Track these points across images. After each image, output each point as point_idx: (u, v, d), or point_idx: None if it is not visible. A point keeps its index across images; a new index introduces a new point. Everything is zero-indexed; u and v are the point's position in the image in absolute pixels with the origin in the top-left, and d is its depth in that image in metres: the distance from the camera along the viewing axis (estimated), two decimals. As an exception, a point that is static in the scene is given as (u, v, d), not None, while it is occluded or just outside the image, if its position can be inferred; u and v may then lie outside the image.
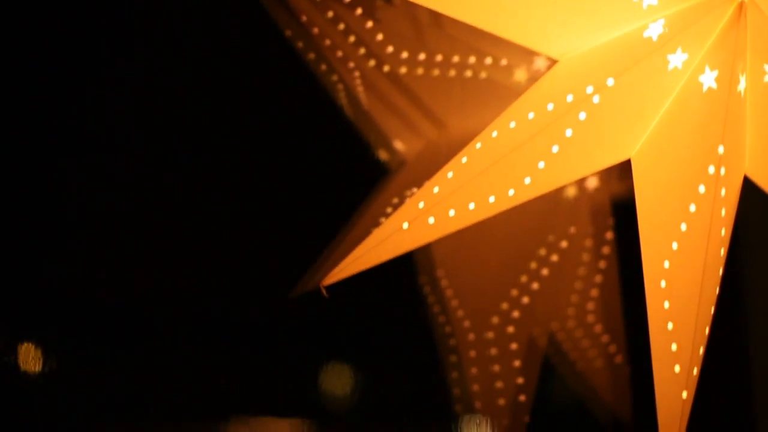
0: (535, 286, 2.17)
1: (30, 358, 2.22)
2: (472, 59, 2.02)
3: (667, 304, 1.42)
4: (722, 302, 1.48)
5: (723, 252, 1.45)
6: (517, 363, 2.17)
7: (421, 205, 1.43)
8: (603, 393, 2.30)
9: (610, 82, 1.43)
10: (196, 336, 2.30)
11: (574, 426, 2.39)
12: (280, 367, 2.32)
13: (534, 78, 1.95)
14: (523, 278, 2.16)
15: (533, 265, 2.16)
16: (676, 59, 1.42)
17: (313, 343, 2.30)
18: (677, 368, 1.43)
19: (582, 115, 1.43)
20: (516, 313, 2.16)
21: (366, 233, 1.46)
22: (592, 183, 2.19)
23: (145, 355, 2.31)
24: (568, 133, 1.43)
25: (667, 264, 1.42)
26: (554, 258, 2.18)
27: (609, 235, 2.23)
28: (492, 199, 1.42)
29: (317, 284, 1.46)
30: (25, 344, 2.19)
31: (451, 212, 1.42)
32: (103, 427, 2.33)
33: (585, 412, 2.33)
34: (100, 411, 2.30)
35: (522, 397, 2.17)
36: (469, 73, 2.03)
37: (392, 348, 2.28)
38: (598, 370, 2.29)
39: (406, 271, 2.16)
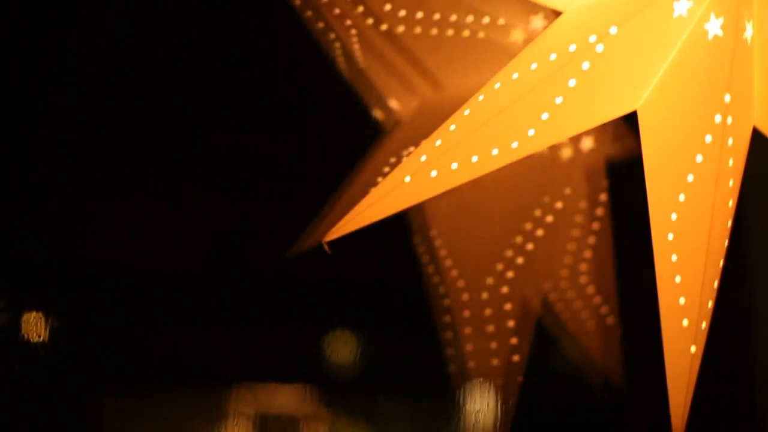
0: (529, 246, 2.16)
1: (34, 326, 2.20)
2: (469, 18, 2.00)
3: (674, 257, 1.41)
4: (730, 255, 1.47)
5: (731, 203, 1.43)
6: (510, 323, 2.16)
7: (423, 158, 1.40)
8: (594, 354, 2.30)
9: (614, 30, 1.41)
10: (199, 303, 2.29)
11: (566, 387, 2.39)
12: (280, 335, 2.31)
13: (531, 38, 1.93)
14: (518, 239, 2.15)
15: (528, 226, 2.15)
16: (681, 7, 1.40)
17: (310, 309, 2.29)
18: (685, 322, 1.41)
19: (585, 65, 1.40)
20: (510, 274, 2.15)
21: (363, 192, 1.43)
22: (587, 144, 2.18)
23: (147, 321, 2.31)
24: (572, 83, 1.40)
25: (674, 216, 1.41)
26: (549, 219, 2.17)
27: (603, 196, 2.22)
28: (495, 151, 1.40)
29: (316, 242, 1.44)
30: (29, 313, 2.18)
31: (454, 165, 1.40)
32: (107, 395, 2.33)
33: (577, 373, 2.33)
34: (104, 379, 2.30)
35: (515, 358, 2.17)
36: (466, 33, 2.01)
37: (386, 309, 2.27)
38: (590, 331, 2.28)
39: (400, 231, 2.14)
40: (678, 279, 1.41)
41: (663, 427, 1.52)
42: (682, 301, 1.41)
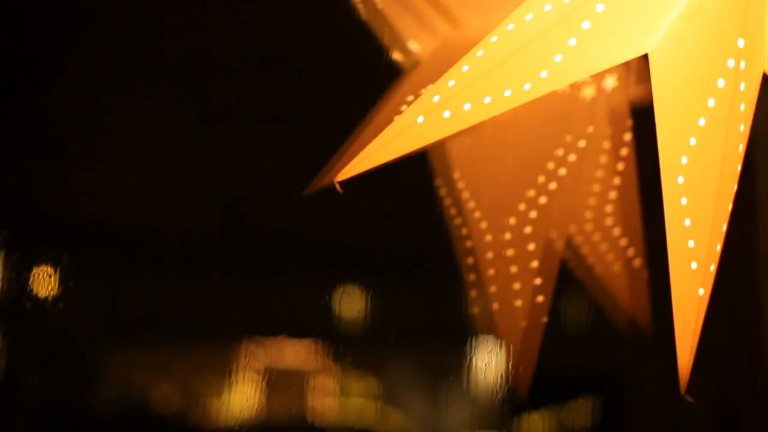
0: (552, 186, 2.15)
1: (44, 281, 2.22)
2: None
3: (684, 200, 1.41)
4: (739, 200, 1.47)
5: (742, 148, 1.43)
6: (534, 264, 2.16)
7: (436, 99, 1.41)
8: (621, 298, 2.30)
9: (628, -27, 1.40)
10: (210, 258, 2.30)
11: (591, 330, 2.39)
12: (290, 289, 2.32)
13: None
14: (541, 178, 2.14)
15: (550, 165, 2.15)
16: (696, -51, 1.39)
17: (326, 261, 2.29)
18: (694, 265, 1.42)
19: (600, 7, 1.40)
20: (533, 214, 2.15)
21: (380, 131, 1.44)
22: (610, 83, 2.17)
23: (159, 275, 2.32)
24: (586, 25, 1.40)
25: (684, 160, 1.40)
26: (572, 158, 2.16)
27: (627, 136, 2.21)
28: (508, 93, 1.40)
29: (331, 181, 1.45)
30: (40, 268, 2.19)
31: (467, 106, 1.40)
32: (117, 349, 2.35)
33: (603, 316, 2.33)
34: (115, 333, 2.32)
35: (540, 298, 2.17)
36: (486, -29, 2.00)
37: (401, 261, 2.28)
38: (616, 274, 2.28)
39: (422, 173, 2.15)
40: (687, 222, 1.41)
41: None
42: (691, 244, 1.41)
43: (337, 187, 1.41)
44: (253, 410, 2.29)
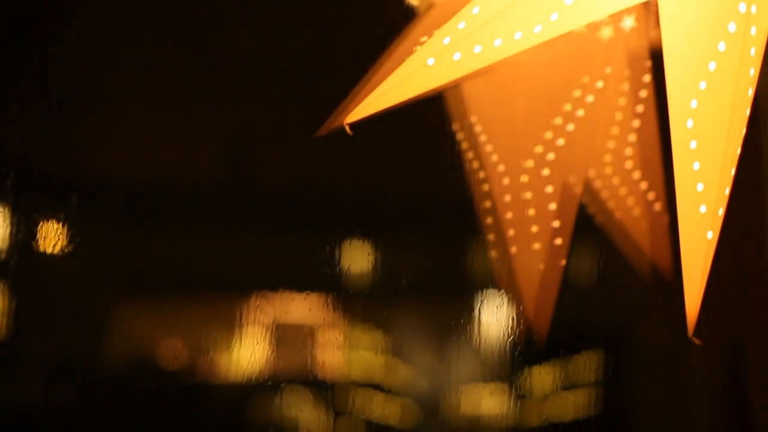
0: (570, 128, 2.14)
1: (53, 237, 2.24)
2: None
3: (693, 144, 1.41)
4: (746, 144, 1.47)
5: (751, 92, 1.42)
6: (552, 206, 2.15)
7: (446, 41, 1.41)
8: (642, 242, 2.29)
9: None
10: (217, 211, 2.31)
11: (611, 274, 2.39)
12: (298, 243, 2.33)
13: None
14: (557, 120, 2.14)
15: (567, 106, 2.14)
16: None
17: (335, 212, 2.29)
18: (703, 209, 1.42)
19: (609, -53, 1.40)
20: (551, 156, 2.14)
21: (392, 73, 1.44)
22: (628, 23, 2.15)
23: (166, 231, 2.33)
24: (595, -34, 1.40)
25: (694, 104, 1.40)
26: (589, 99, 2.15)
27: (647, 78, 2.20)
28: (518, 35, 1.40)
29: (341, 124, 1.45)
30: (48, 224, 2.20)
31: (477, 48, 1.40)
32: (125, 304, 2.36)
33: (623, 261, 2.33)
34: (122, 288, 2.33)
35: (558, 241, 2.17)
36: None
37: (421, 203, 2.27)
38: (637, 218, 2.27)
39: (437, 117, 2.15)
40: (696, 166, 1.41)
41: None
42: (700, 187, 1.41)
43: (347, 129, 1.42)
44: (260, 364, 2.30)
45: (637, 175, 2.24)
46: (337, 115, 1.83)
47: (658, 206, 2.26)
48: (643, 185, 2.25)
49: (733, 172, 1.43)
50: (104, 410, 2.55)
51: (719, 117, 1.40)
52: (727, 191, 1.43)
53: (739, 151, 1.43)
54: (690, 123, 1.40)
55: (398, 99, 1.42)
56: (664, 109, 2.21)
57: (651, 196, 2.26)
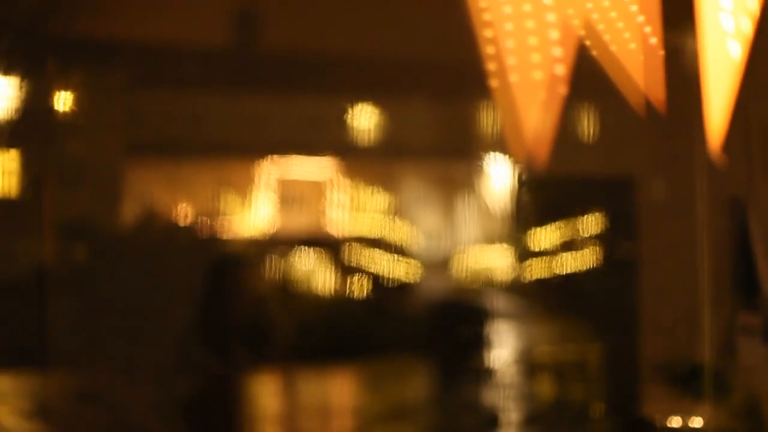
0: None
1: (64, 99, 2.24)
2: None
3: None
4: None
5: None
6: (554, 35, 2.16)
7: None
8: (637, 76, 2.30)
9: None
10: (226, 74, 2.32)
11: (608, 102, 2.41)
12: (306, 105, 2.34)
13: None
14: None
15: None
16: None
17: (343, 75, 2.30)
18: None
19: None
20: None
21: None
22: None
23: (175, 93, 2.34)
24: None
25: None
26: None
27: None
28: None
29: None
30: (59, 85, 2.21)
31: None
32: (134, 166, 2.38)
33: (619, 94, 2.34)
34: (130, 148, 2.35)
35: (559, 69, 2.18)
36: None
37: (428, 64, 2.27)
38: (633, 51, 2.29)
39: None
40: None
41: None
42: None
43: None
44: (268, 224, 2.34)
45: (634, 8, 2.25)
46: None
47: (654, 40, 2.27)
48: (640, 19, 2.26)
49: None
50: (118, 267, 2.61)
51: None
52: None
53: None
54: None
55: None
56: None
57: (648, 30, 2.27)
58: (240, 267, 2.67)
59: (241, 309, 2.73)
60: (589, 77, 2.28)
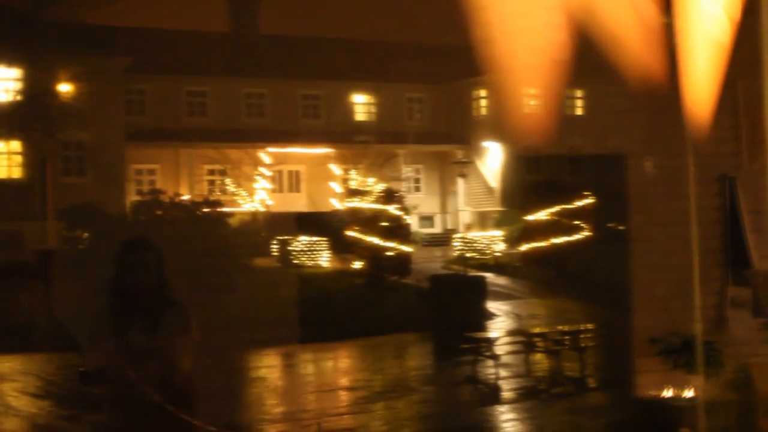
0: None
1: (66, 90, 2.31)
2: None
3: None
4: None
5: None
6: (552, 17, 2.18)
7: None
8: (637, 52, 2.30)
9: None
10: (223, 57, 2.35)
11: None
12: (308, 89, 2.35)
13: None
14: None
15: None
16: None
17: (342, 58, 2.30)
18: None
19: None
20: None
21: None
22: None
23: (173, 75, 2.37)
24: None
25: None
26: None
27: None
28: None
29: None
30: (64, 75, 2.28)
31: None
32: (140, 147, 2.44)
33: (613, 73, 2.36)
34: (134, 134, 2.42)
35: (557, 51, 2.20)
36: None
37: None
38: (633, 28, 2.29)
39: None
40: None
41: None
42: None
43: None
44: (266, 205, 2.39)
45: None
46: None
47: (651, 19, 2.28)
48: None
49: None
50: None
51: None
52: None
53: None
54: None
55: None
56: None
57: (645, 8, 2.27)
58: (141, 250, 2.71)
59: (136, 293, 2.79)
60: (585, 58, 2.29)
